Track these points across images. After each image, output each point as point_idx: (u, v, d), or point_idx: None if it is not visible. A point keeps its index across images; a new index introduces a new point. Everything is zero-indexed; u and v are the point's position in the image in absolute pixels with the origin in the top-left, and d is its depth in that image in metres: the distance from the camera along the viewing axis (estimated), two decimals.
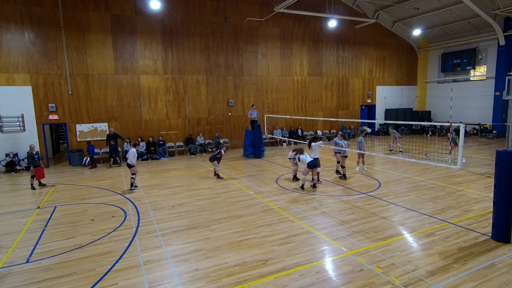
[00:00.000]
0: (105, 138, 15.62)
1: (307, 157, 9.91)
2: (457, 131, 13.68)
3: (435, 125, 23.04)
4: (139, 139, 16.43)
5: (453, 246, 5.91)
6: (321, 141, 10.84)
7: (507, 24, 19.69)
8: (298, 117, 19.81)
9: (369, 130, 23.06)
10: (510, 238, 5.97)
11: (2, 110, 13.89)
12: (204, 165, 14.35)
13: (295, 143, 18.35)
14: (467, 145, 17.89)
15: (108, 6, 15.54)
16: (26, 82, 14.36)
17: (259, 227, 7.08)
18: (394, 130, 16.05)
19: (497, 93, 20.47)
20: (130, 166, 10.61)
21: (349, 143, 12.96)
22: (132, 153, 10.58)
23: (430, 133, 23.32)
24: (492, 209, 6.17)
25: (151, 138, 16.70)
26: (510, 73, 19.61)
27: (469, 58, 22.20)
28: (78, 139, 15.46)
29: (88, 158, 15.07)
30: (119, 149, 15.48)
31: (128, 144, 15.77)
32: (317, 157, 10.26)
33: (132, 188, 10.62)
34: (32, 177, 11.04)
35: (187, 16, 17.29)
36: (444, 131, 22.43)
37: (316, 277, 5.03)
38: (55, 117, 15.04)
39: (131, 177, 10.66)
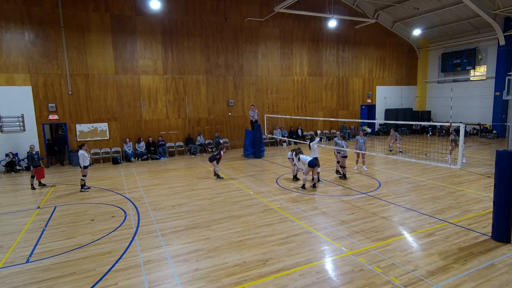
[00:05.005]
0: (52, 141, 15.83)
1: (307, 157, 9.92)
2: (457, 131, 13.68)
3: (435, 125, 23.03)
4: (140, 138, 16.46)
5: (453, 246, 5.91)
6: (318, 138, 10.84)
7: (507, 24, 19.69)
8: (298, 117, 19.80)
9: (369, 130, 23.12)
10: (510, 238, 5.97)
11: (2, 110, 13.89)
12: (204, 165, 14.35)
13: (295, 143, 18.35)
14: (467, 145, 17.89)
15: (108, 6, 15.54)
16: (26, 82, 14.35)
17: (259, 227, 7.08)
18: (396, 133, 16.08)
19: (497, 93, 20.46)
20: (80, 168, 10.46)
21: (348, 144, 12.94)
22: (80, 155, 10.32)
23: (430, 133, 23.33)
24: (492, 209, 6.17)
25: (150, 138, 16.70)
26: (510, 73, 19.60)
27: (469, 58, 22.19)
28: (78, 139, 15.45)
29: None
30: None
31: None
32: (316, 156, 10.28)
33: (82, 190, 10.46)
34: (32, 177, 11.05)
35: (187, 16, 17.29)
36: (444, 131, 22.43)
37: (316, 277, 5.03)
38: (55, 117, 15.04)
39: (81, 179, 10.52)
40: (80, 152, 10.38)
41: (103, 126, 16.01)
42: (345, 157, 11.22)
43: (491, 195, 6.92)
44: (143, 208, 8.64)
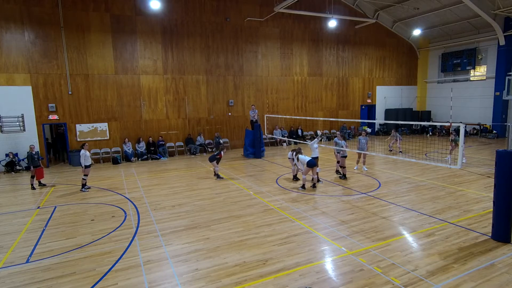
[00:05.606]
0: (51, 139, 16.15)
1: (306, 157, 9.92)
2: (457, 131, 13.69)
3: (435, 125, 23.03)
4: (140, 139, 16.46)
5: (453, 246, 5.91)
6: (317, 139, 10.86)
7: (507, 24, 19.69)
8: (298, 117, 19.80)
9: (369, 130, 23.12)
10: (510, 238, 5.97)
11: (2, 110, 13.88)
12: (204, 165, 14.35)
13: (295, 143, 18.35)
14: (467, 145, 17.89)
15: (108, 6, 15.54)
16: (26, 82, 14.35)
17: (259, 227, 7.08)
18: (396, 134, 16.10)
19: (497, 93, 20.46)
20: (82, 167, 10.47)
21: (348, 144, 12.92)
22: (81, 155, 10.32)
23: (430, 133, 23.32)
24: (492, 209, 6.17)
25: (150, 138, 16.70)
26: (510, 73, 19.59)
27: (469, 58, 22.19)
28: (78, 139, 15.45)
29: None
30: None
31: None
32: (316, 156, 10.28)
33: (83, 189, 10.49)
34: (32, 177, 11.04)
35: (187, 16, 17.29)
36: (444, 131, 22.43)
37: (316, 277, 5.03)
38: (55, 117, 15.04)
39: (82, 178, 10.56)
40: (82, 151, 10.40)
41: (103, 126, 16.01)
42: (345, 157, 11.21)
43: (491, 195, 6.92)
44: (143, 208, 8.64)
